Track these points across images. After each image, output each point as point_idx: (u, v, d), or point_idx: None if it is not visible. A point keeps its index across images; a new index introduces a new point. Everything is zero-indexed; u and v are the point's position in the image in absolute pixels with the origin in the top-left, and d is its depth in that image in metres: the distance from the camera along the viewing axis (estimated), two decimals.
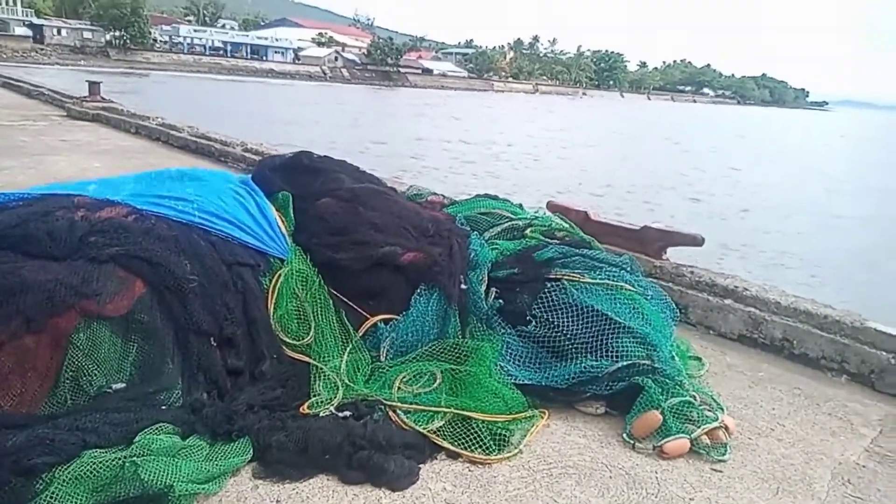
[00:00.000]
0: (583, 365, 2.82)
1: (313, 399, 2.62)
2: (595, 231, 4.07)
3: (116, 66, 64.71)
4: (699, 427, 2.65)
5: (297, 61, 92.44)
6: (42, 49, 69.14)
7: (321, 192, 3.52)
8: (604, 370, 2.80)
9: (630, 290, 3.11)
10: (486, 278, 3.18)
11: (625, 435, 2.67)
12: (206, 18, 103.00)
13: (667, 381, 2.80)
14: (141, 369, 2.40)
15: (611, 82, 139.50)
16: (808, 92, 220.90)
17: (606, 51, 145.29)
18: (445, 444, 2.45)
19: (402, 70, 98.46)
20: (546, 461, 2.49)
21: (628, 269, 3.30)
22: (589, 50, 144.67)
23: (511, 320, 3.03)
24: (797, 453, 2.71)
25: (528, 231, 3.55)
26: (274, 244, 3.21)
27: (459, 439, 2.48)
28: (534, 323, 2.97)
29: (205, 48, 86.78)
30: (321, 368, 2.80)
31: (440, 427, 2.52)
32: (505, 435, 2.55)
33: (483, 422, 2.55)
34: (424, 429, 2.50)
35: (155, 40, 79.50)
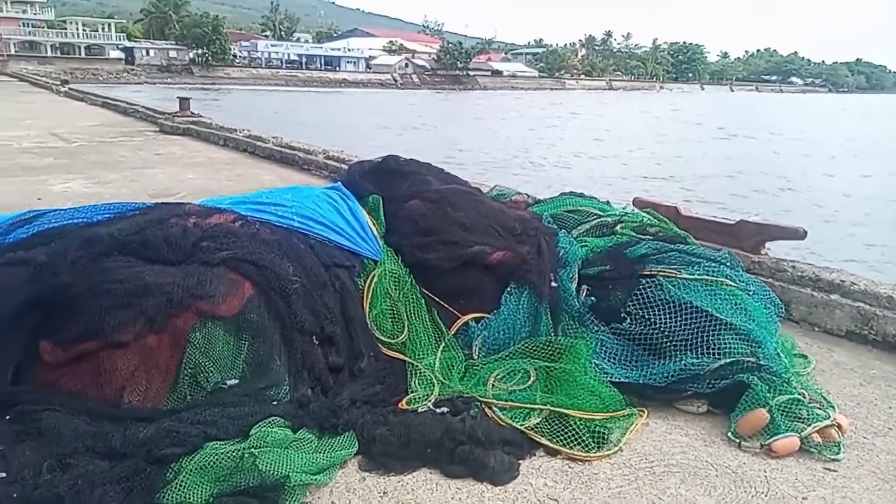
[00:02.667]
0: (683, 362, 2.74)
1: (411, 395, 2.68)
2: (687, 227, 3.94)
3: (200, 82, 68.31)
4: (810, 425, 2.53)
5: (368, 70, 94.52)
6: (133, 69, 74.01)
7: (410, 195, 3.60)
8: (705, 368, 2.71)
9: (731, 285, 3.00)
10: (577, 276, 3.15)
11: (729, 434, 2.58)
12: (282, 33, 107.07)
13: (773, 378, 2.68)
14: (252, 366, 2.53)
15: (690, 75, 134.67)
16: None
17: (684, 42, 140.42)
18: (544, 441, 2.45)
19: (471, 73, 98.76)
20: (647, 459, 2.44)
21: (728, 264, 3.18)
22: (665, 42, 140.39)
23: (604, 318, 2.99)
24: None
25: (618, 228, 3.49)
26: (367, 246, 3.31)
27: (557, 436, 2.47)
28: (629, 320, 2.92)
29: (281, 61, 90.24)
30: (416, 366, 2.86)
31: (537, 424, 2.52)
32: (603, 433, 2.51)
33: (580, 419, 2.53)
34: (521, 425, 2.50)
35: (235, 56, 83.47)
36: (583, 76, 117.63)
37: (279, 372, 2.59)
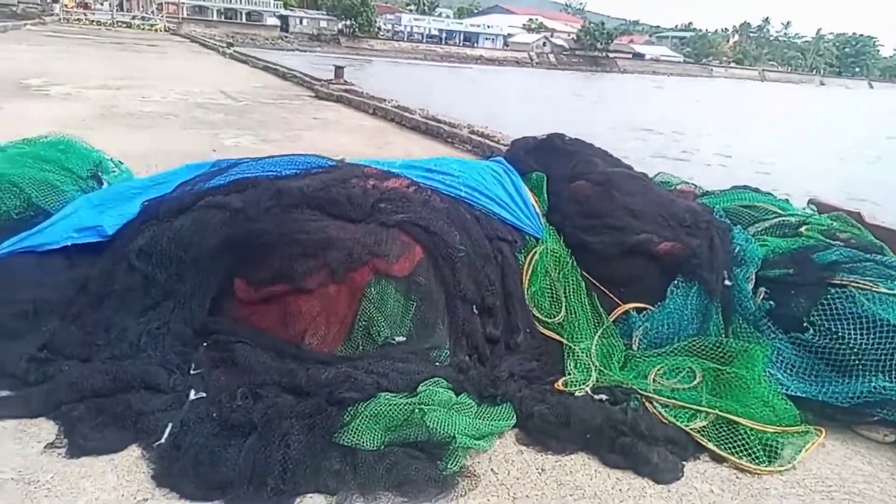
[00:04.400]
0: (872, 384, 2.49)
1: (567, 378, 2.64)
2: None
3: (345, 52, 71.04)
4: None
5: (506, 47, 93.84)
6: (286, 37, 78.42)
7: (575, 175, 3.52)
8: None
9: None
10: (755, 277, 2.94)
11: None
12: (425, 7, 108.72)
13: None
14: (418, 326, 2.61)
15: (856, 69, 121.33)
16: None
17: (853, 33, 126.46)
18: (710, 446, 2.33)
19: (611, 55, 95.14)
20: (824, 482, 2.25)
21: None
22: (831, 33, 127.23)
23: (783, 325, 2.77)
24: None
25: (802, 229, 3.21)
26: (529, 222, 3.29)
27: (725, 443, 2.34)
28: (812, 331, 2.69)
29: (422, 36, 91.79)
30: (573, 348, 2.81)
31: (703, 427, 2.40)
32: (775, 447, 2.35)
33: (751, 429, 2.38)
34: (686, 426, 2.39)
35: (379, 28, 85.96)
36: (733, 64, 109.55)
37: (441, 335, 2.66)
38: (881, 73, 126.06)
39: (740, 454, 2.30)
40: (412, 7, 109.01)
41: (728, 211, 3.48)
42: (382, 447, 2.06)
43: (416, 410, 2.15)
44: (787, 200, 3.69)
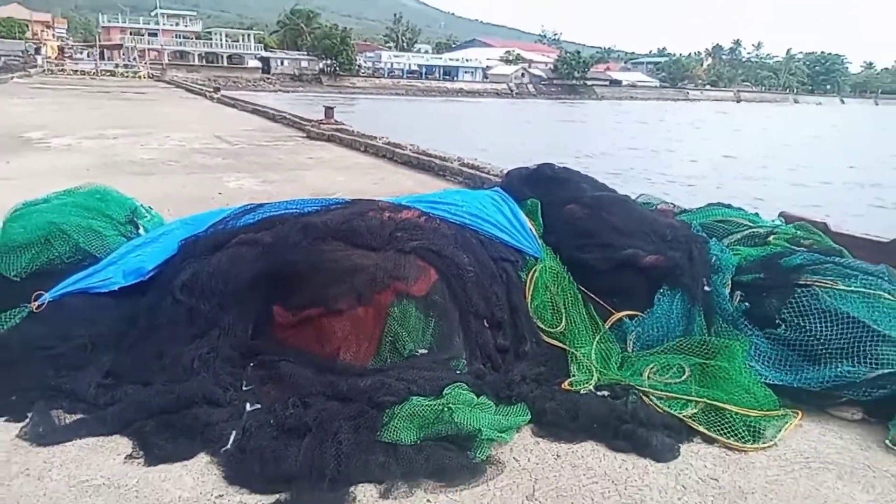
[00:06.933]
0: (838, 370, 2.84)
1: (572, 378, 2.97)
2: (837, 243, 3.95)
3: (328, 91, 72.30)
4: None
5: (485, 80, 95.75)
6: (268, 78, 79.58)
7: (566, 200, 3.91)
8: (862, 376, 2.80)
9: (890, 299, 3.04)
10: (731, 282, 3.31)
11: (887, 441, 2.66)
12: (404, 44, 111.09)
13: None
14: (437, 339, 2.94)
15: (827, 86, 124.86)
16: None
17: (822, 52, 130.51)
18: (701, 429, 2.66)
19: (588, 82, 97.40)
20: (803, 455, 2.58)
21: (886, 278, 3.21)
22: (801, 52, 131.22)
23: (758, 323, 3.13)
24: None
25: (770, 238, 3.60)
26: (528, 244, 3.65)
27: (714, 426, 2.67)
28: (783, 326, 3.05)
29: (402, 72, 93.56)
30: (575, 354, 3.15)
31: (694, 414, 2.74)
32: (758, 428, 2.68)
33: (736, 414, 2.72)
34: (679, 414, 2.73)
35: (360, 66, 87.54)
36: (708, 86, 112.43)
37: (458, 347, 2.99)
38: (851, 89, 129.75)
39: (728, 435, 2.63)
40: (391, 44, 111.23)
41: (704, 226, 3.87)
42: (419, 441, 2.37)
43: (445, 409, 2.47)
44: (756, 214, 4.09)
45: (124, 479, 2.21)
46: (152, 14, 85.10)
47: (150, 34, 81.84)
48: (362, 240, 3.17)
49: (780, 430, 2.71)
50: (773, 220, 4.06)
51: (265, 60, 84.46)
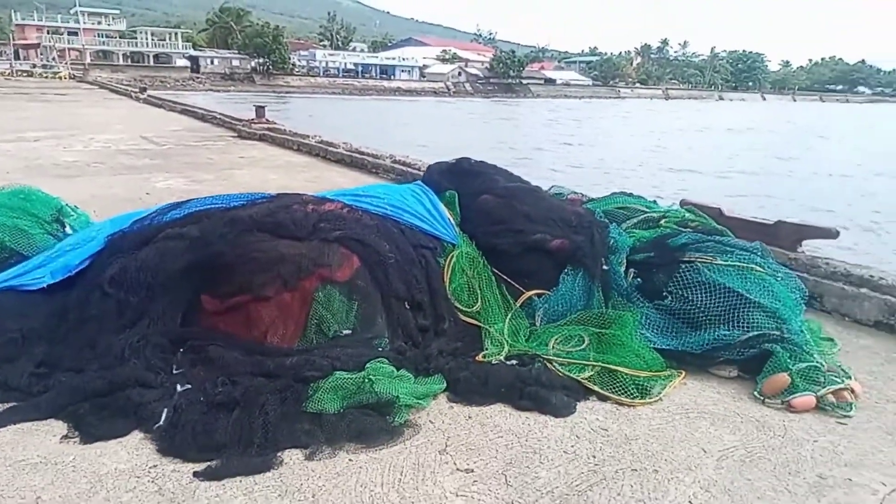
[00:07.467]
0: (716, 334, 3.24)
1: (485, 351, 3.27)
2: (729, 226, 4.40)
3: (261, 90, 70.84)
4: (825, 387, 2.99)
5: (422, 78, 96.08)
6: (198, 77, 77.23)
7: (481, 191, 4.21)
8: (736, 338, 3.21)
9: (760, 271, 3.48)
10: (626, 261, 3.69)
11: (755, 392, 3.07)
12: (339, 42, 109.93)
13: (795, 348, 3.15)
14: (361, 320, 3.18)
15: (749, 84, 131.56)
16: None
17: (744, 51, 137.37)
18: (596, 388, 3.00)
19: (524, 81, 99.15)
20: (683, 408, 2.96)
21: (758, 253, 3.66)
22: (724, 51, 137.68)
23: (649, 296, 3.52)
24: None
25: (662, 222, 4.01)
26: (445, 232, 3.93)
27: (607, 386, 3.02)
28: (670, 298, 3.44)
29: (338, 70, 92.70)
30: (488, 330, 3.45)
31: (590, 376, 3.08)
32: (647, 387, 3.05)
33: (628, 375, 3.07)
34: (578, 376, 3.06)
35: (294, 65, 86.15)
36: (638, 85, 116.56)
37: (381, 327, 3.24)
38: (771, 86, 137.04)
39: (619, 393, 2.98)
40: (325, 43, 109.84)
41: (607, 212, 4.25)
42: (342, 410, 2.60)
43: (366, 381, 2.71)
44: (654, 201, 4.51)
45: (61, 456, 2.34)
46: (71, 12, 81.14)
47: (69, 33, 78.06)
48: (287, 231, 3.36)
49: (665, 388, 3.08)
50: (668, 206, 4.48)
51: (194, 59, 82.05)
